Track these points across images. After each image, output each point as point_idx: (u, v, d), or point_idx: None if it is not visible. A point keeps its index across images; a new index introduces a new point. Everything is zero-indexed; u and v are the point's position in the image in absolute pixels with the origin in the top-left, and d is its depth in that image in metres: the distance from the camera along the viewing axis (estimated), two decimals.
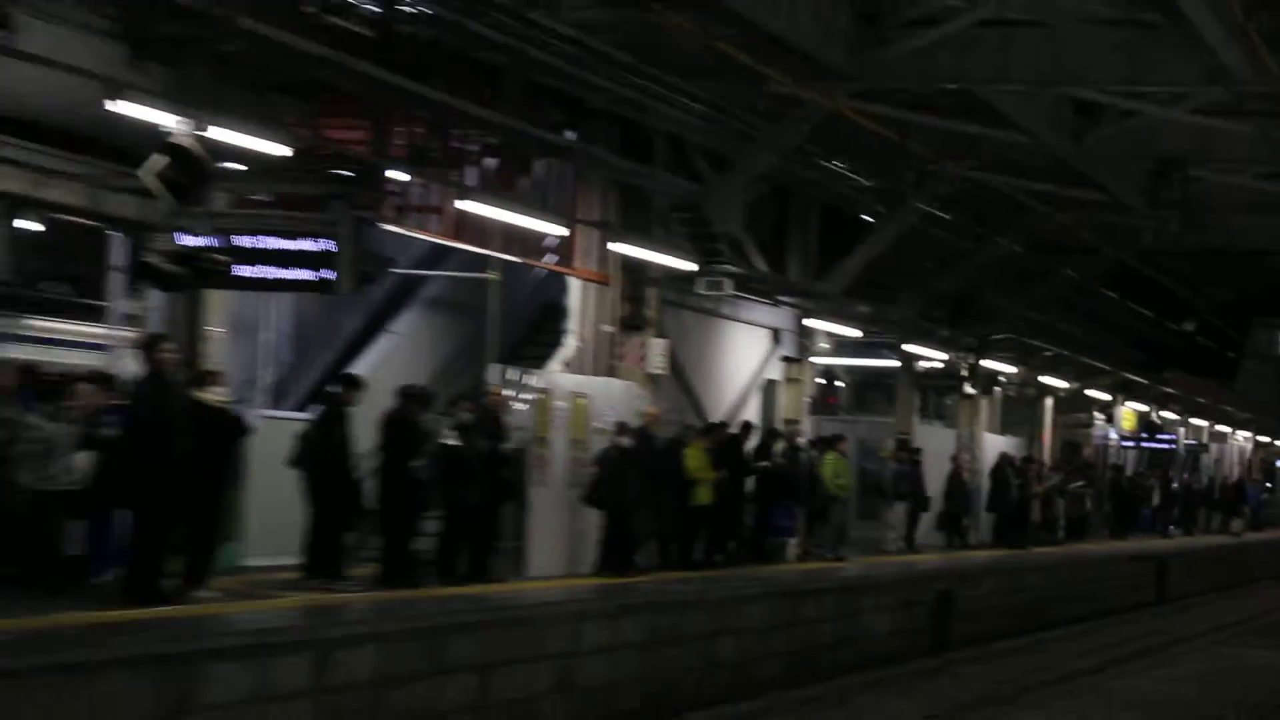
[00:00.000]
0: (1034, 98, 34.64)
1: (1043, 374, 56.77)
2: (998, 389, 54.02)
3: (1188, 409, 76.56)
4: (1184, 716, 28.91)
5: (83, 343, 29.48)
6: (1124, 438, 72.48)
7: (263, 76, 26.09)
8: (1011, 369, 53.71)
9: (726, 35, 29.03)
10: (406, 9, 26.33)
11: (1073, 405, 64.01)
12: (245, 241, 25.79)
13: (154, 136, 22.96)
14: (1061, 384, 59.50)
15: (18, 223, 26.85)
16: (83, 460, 22.41)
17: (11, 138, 24.53)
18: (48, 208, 27.02)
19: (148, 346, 23.90)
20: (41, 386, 23.35)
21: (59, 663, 16.65)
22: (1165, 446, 77.14)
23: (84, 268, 30.65)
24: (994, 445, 53.19)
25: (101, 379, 24.62)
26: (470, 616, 23.14)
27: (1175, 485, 74.90)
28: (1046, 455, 59.50)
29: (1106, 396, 67.37)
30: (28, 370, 23.80)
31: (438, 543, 26.96)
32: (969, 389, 51.71)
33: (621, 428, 31.10)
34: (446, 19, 26.37)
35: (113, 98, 23.16)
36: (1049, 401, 60.46)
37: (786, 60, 30.55)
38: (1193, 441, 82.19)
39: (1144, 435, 74.63)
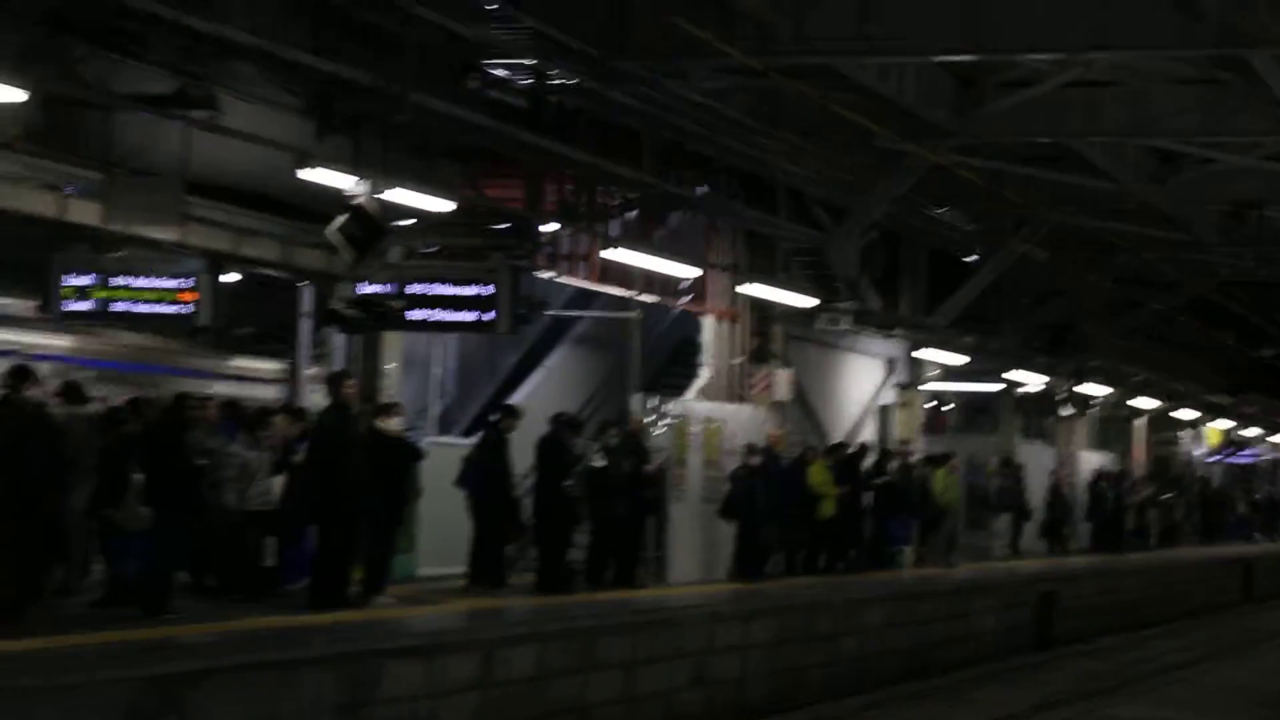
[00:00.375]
0: (1119, 148, 34.63)
1: (1133, 396, 56.15)
2: (1092, 410, 53.56)
3: (1267, 427, 75.85)
4: (1257, 704, 28.58)
5: (277, 379, 30.14)
6: (1209, 453, 71.75)
7: (430, 143, 26.32)
8: (1105, 391, 53.08)
9: (840, 99, 29.29)
10: (554, 82, 26.51)
11: (1161, 424, 63.35)
12: (416, 289, 25.95)
13: (336, 199, 23.55)
14: (1151, 405, 58.92)
15: (222, 277, 26.90)
16: (277, 483, 23.03)
17: (217, 202, 25.36)
18: (247, 263, 27.50)
19: (332, 382, 24.55)
20: (242, 419, 23.74)
21: (257, 661, 17.26)
22: (1247, 461, 76.75)
23: (278, 314, 31.27)
24: (1090, 461, 52.60)
25: (293, 411, 25.29)
26: (618, 619, 23.43)
27: (1258, 496, 74.52)
28: (1138, 469, 59.17)
29: (1192, 415, 66.72)
30: (230, 404, 24.24)
31: (587, 553, 27.28)
32: (1066, 410, 51.50)
33: (751, 449, 31.16)
34: (590, 89, 26.70)
35: (302, 166, 23.98)
36: (1140, 421, 59.89)
37: (894, 119, 30.68)
38: (1273, 456, 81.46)
39: (1228, 451, 74.11)
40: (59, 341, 25.96)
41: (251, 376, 29.49)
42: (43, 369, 19.80)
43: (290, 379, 30.02)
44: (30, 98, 19.96)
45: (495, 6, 22.90)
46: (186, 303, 25.73)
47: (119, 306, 25.63)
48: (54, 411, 19.47)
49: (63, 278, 25.49)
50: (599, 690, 22.08)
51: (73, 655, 16.57)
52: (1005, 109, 31.39)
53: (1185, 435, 68.14)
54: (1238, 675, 33.71)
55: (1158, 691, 30.30)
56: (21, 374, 18.75)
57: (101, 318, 25.86)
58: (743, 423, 32.50)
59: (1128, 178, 36.58)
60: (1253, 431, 74.70)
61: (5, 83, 19.08)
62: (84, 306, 25.62)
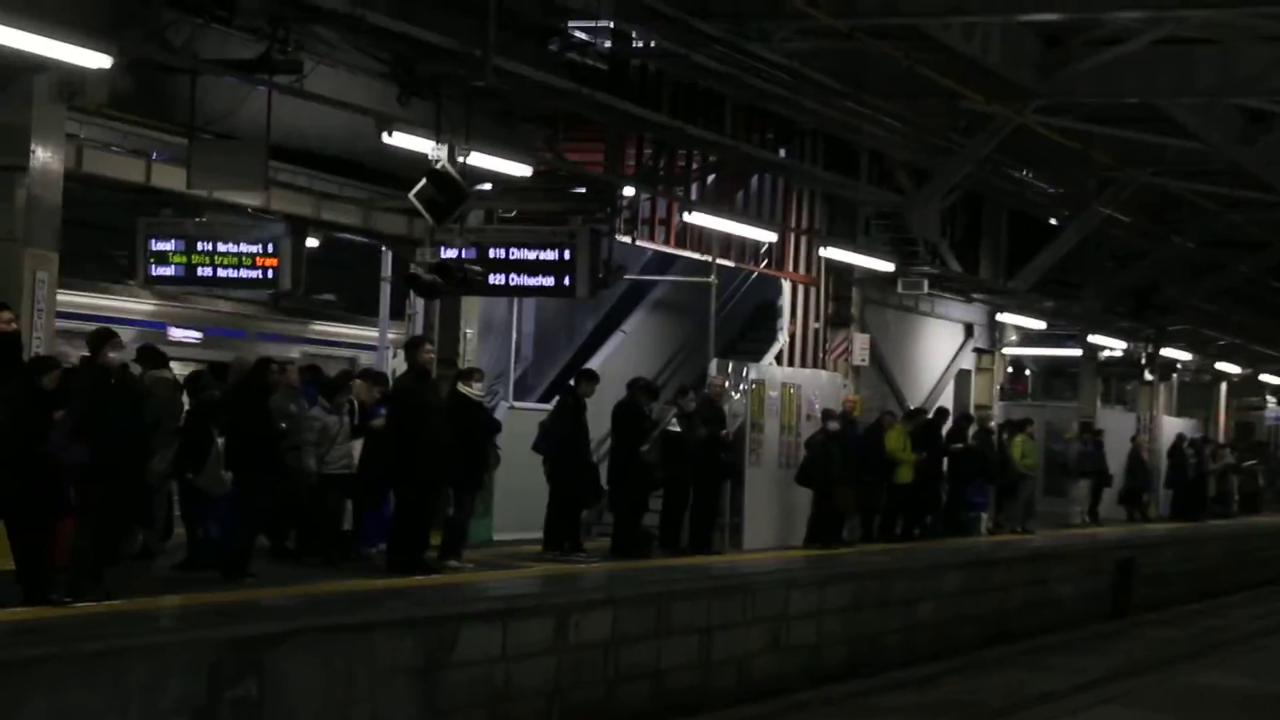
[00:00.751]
0: (1209, 108, 34.56)
1: (1217, 361, 56.09)
2: (1175, 375, 53.53)
3: None
4: None
5: (358, 344, 30.24)
6: None
7: (511, 107, 26.55)
8: (1188, 356, 52.95)
9: (924, 60, 29.34)
10: (636, 44, 26.57)
11: (1246, 389, 63.25)
12: (496, 253, 26.15)
13: (418, 163, 23.63)
14: (1235, 370, 58.70)
15: (309, 241, 27.24)
16: (356, 447, 23.13)
17: (299, 167, 25.64)
18: (328, 227, 27.91)
19: (411, 347, 24.94)
20: (322, 383, 23.94)
21: (335, 624, 17.52)
22: None
23: (359, 279, 31.46)
24: (1172, 427, 52.30)
25: (372, 376, 25.36)
26: (693, 585, 23.58)
27: None
28: (1221, 435, 58.81)
29: (1278, 381, 66.72)
30: (311, 369, 24.52)
31: (662, 519, 27.41)
32: (1148, 375, 51.40)
33: (828, 414, 31.11)
34: (672, 52, 26.68)
35: (384, 130, 24.31)
36: (1223, 386, 59.77)
37: (979, 80, 30.80)
38: None
39: None
40: (144, 306, 26.07)
41: (333, 341, 29.57)
42: (128, 333, 19.89)
43: (371, 344, 30.20)
44: (117, 63, 20.17)
45: None
46: (267, 268, 25.90)
47: (202, 271, 25.84)
48: (137, 375, 19.56)
49: (149, 242, 25.68)
50: (673, 655, 22.32)
51: (156, 617, 16.95)
52: (1091, 68, 31.32)
53: (1271, 401, 67.87)
54: None
55: (1235, 660, 30.09)
56: (104, 336, 18.87)
57: (186, 282, 26.04)
58: (820, 388, 32.57)
59: (1216, 138, 36.54)
60: None
61: (93, 48, 19.30)
62: (169, 271, 25.82)
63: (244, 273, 26.01)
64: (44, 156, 20.74)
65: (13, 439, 16.75)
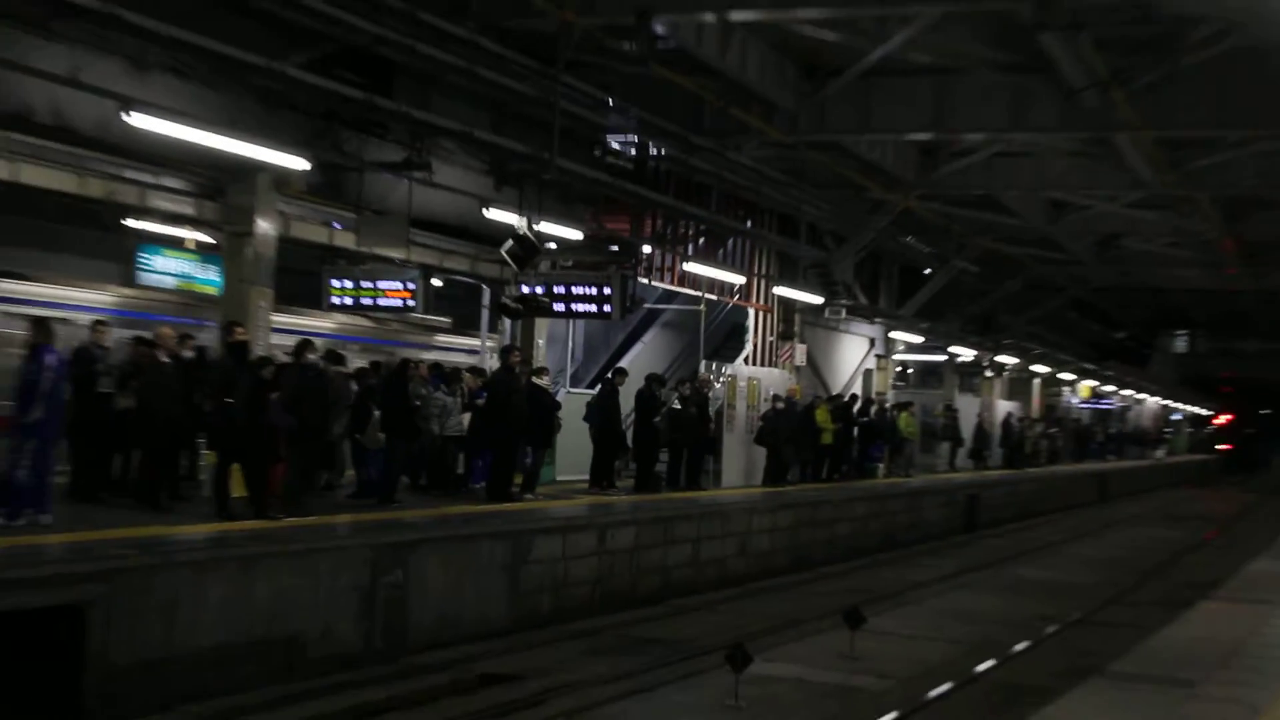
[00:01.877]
0: (1027, 198, 34.62)
1: (1032, 364, 56.06)
2: (1005, 373, 53.41)
3: (1120, 384, 75.77)
4: (1113, 565, 28.79)
5: (466, 349, 30.38)
6: (1081, 402, 71.89)
7: (568, 192, 26.35)
8: (1014, 361, 52.67)
9: (843, 163, 29.43)
10: (652, 151, 26.18)
11: (1050, 383, 63.27)
12: (558, 289, 26.10)
13: (507, 230, 23.44)
14: (1044, 369, 58.66)
15: (434, 281, 27.19)
16: (465, 419, 23.17)
17: (430, 233, 25.60)
18: (447, 272, 27.68)
19: (502, 352, 24.87)
20: (444, 375, 23.67)
21: (452, 535, 17.85)
22: (1106, 407, 77.05)
23: (466, 307, 31.59)
24: (1003, 407, 52.33)
25: (476, 371, 25.17)
26: (688, 510, 23.64)
27: (1111, 430, 74.74)
28: (1035, 413, 58.93)
29: (1071, 377, 66.23)
30: (436, 365, 24.08)
31: (667, 466, 27.35)
32: (988, 374, 51.25)
33: (777, 398, 30.89)
34: (675, 157, 26.38)
35: (485, 207, 24.53)
36: (1036, 381, 59.72)
37: (878, 176, 30.78)
38: (1123, 404, 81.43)
39: (1093, 400, 74.51)
40: (328, 324, 26.34)
41: (451, 347, 29.79)
42: (316, 342, 20.16)
43: (475, 349, 30.35)
44: (311, 165, 20.52)
45: (612, 104, 23.08)
46: (406, 299, 26.19)
47: (365, 301, 26.14)
48: (324, 369, 19.80)
49: (330, 282, 25.98)
50: (675, 557, 22.40)
51: (335, 528, 17.17)
52: (952, 170, 31.24)
53: (1066, 390, 68.23)
54: (1090, 549, 34.00)
55: (1043, 559, 30.59)
56: (304, 345, 19.28)
57: (353, 309, 26.31)
58: (773, 380, 32.27)
59: (1032, 217, 36.62)
60: (1109, 388, 74.74)
61: (296, 155, 19.64)
62: (342, 301, 26.10)
63: (391, 302, 26.30)
64: (264, 226, 20.98)
65: (244, 412, 17.11)
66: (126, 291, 23.29)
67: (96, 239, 23.04)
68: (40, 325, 16.43)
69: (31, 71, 16.95)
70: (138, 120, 17.08)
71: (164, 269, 23.98)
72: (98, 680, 12.68)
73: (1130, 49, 22.05)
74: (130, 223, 23.23)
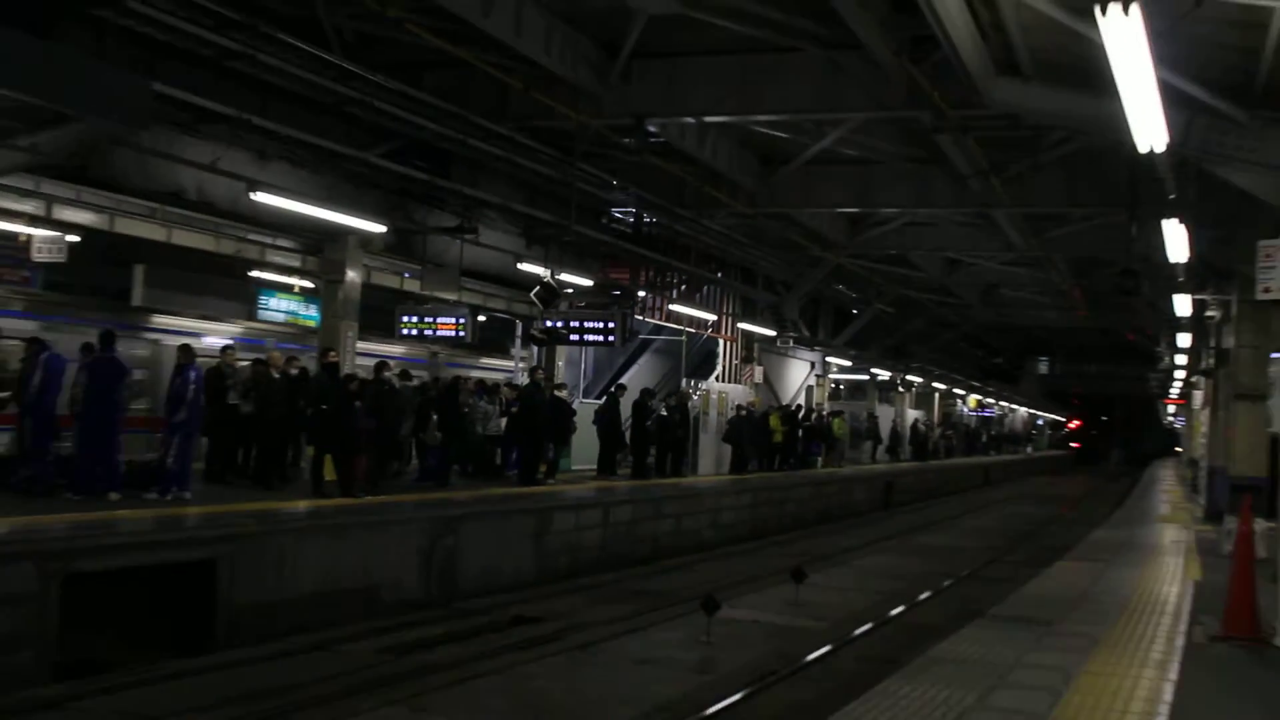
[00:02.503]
0: (929, 256, 34.29)
1: (934, 382, 56.09)
2: (913, 389, 53.38)
3: (999, 397, 75.87)
4: (993, 534, 28.66)
5: (503, 369, 30.40)
6: (970, 410, 71.92)
7: (582, 249, 26.26)
8: (920, 380, 52.83)
9: (791, 229, 29.10)
10: (646, 219, 25.94)
11: (947, 396, 63.24)
12: (574, 324, 26.29)
13: (535, 278, 23.37)
14: (942, 386, 58.68)
15: (479, 317, 27.49)
16: (502, 422, 23.17)
17: (476, 280, 25.46)
18: (489, 310, 27.91)
19: (531, 371, 25.13)
20: (486, 388, 23.85)
21: (492, 510, 17.77)
22: (989, 414, 77.16)
23: (504, 336, 31.63)
24: (911, 414, 52.64)
25: (511, 385, 25.54)
26: (672, 492, 23.57)
27: (992, 432, 74.82)
28: (936, 419, 58.99)
29: (962, 392, 65.93)
30: (480, 381, 24.24)
31: (656, 459, 26.94)
32: (900, 389, 51.40)
33: (740, 407, 31.16)
34: (664, 223, 26.16)
35: (518, 262, 24.45)
36: (936, 395, 59.71)
37: (818, 239, 30.35)
38: (1000, 412, 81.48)
39: (979, 409, 74.56)
40: (399, 349, 26.30)
41: (491, 367, 29.77)
42: (390, 363, 20.17)
43: (510, 369, 30.34)
44: (388, 229, 20.62)
45: (616, 184, 23.11)
46: (458, 330, 26.17)
47: (427, 333, 26.13)
48: (396, 384, 19.81)
49: (401, 318, 25.99)
50: (662, 529, 22.28)
51: (403, 505, 17.03)
52: (874, 235, 30.83)
53: (959, 402, 68.29)
54: (976, 522, 33.91)
55: (941, 530, 30.48)
56: (382, 365, 19.33)
57: (418, 339, 26.32)
58: (737, 394, 32.35)
59: (932, 271, 36.48)
60: (990, 400, 74.92)
61: (377, 223, 19.77)
62: (410, 333, 26.11)
63: (446, 333, 26.29)
64: (352, 275, 21.03)
65: (335, 416, 17.20)
66: (249, 324, 23.37)
67: (228, 285, 23.09)
68: (186, 349, 16.64)
69: (183, 161, 17.18)
70: (260, 197, 17.26)
71: (277, 308, 24.04)
72: (225, 617, 12.80)
73: (1003, 147, 22.07)
74: (253, 273, 23.38)
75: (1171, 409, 67.25)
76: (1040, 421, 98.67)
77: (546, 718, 10.29)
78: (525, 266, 24.46)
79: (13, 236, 18.57)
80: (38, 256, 18.73)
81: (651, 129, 20.72)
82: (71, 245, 18.94)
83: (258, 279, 23.69)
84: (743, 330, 35.65)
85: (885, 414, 49.50)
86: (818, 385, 42.60)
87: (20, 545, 11.02)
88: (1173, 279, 24.16)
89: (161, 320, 21.15)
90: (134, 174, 16.87)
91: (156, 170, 17.07)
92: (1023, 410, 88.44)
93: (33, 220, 18.26)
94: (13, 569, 10.69)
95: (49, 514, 13.23)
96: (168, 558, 12.40)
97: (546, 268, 23.90)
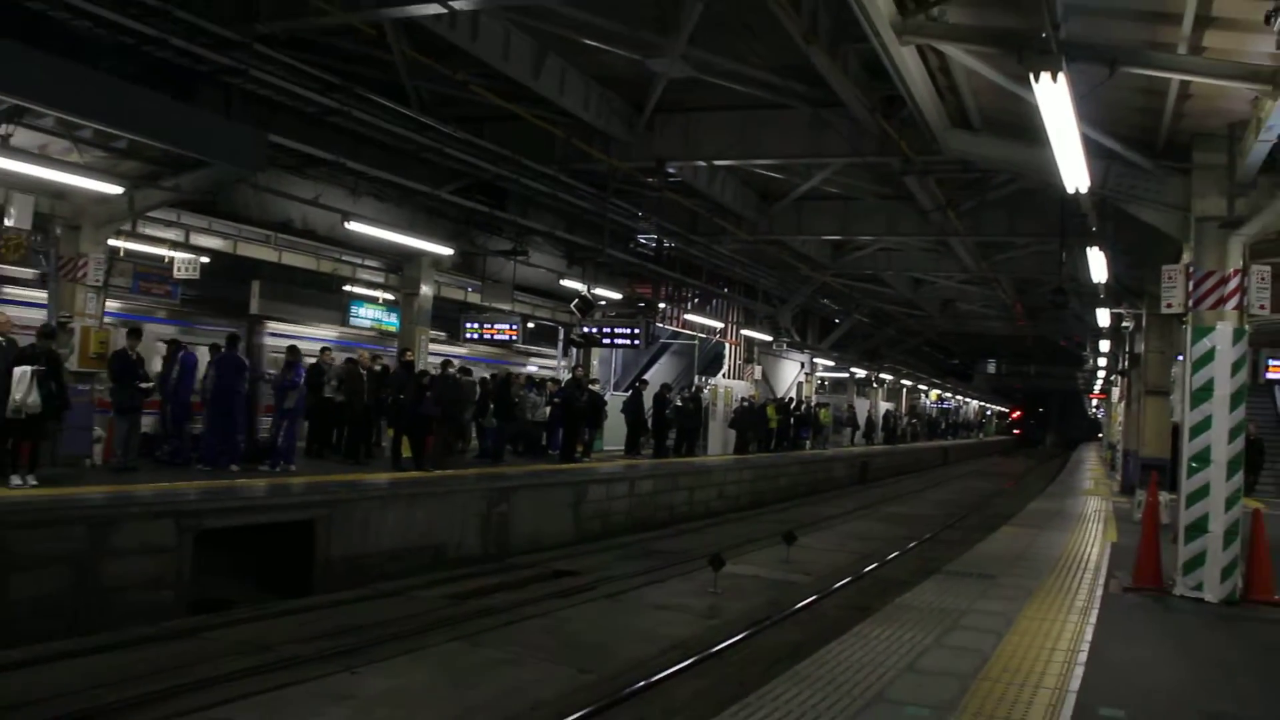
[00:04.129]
0: (899, 276, 33.98)
1: (903, 379, 55.94)
2: (885, 385, 53.25)
3: (956, 392, 75.63)
4: (950, 504, 28.31)
5: (548, 366, 30.48)
6: (931, 403, 71.51)
7: (614, 268, 26.32)
8: (890, 377, 52.74)
9: (785, 252, 28.96)
10: (666, 244, 25.76)
11: (913, 391, 63.00)
12: (606, 329, 26.41)
13: (574, 292, 23.71)
14: (908, 383, 58.41)
15: (529, 324, 27.29)
16: (546, 410, 23.27)
17: (526, 294, 25.62)
18: (535, 319, 27.79)
19: (572, 369, 25.31)
20: (534, 382, 24.05)
21: (538, 482, 17.71)
22: (947, 406, 76.66)
23: (549, 340, 31.68)
24: (884, 406, 52.43)
25: (554, 380, 25.45)
26: (686, 469, 23.45)
27: (951, 419, 74.33)
28: (904, 409, 58.82)
29: (925, 388, 65.66)
30: (529, 376, 24.55)
31: (674, 441, 27.16)
32: (874, 385, 51.34)
33: (743, 399, 31.15)
34: (680, 247, 25.97)
35: (560, 279, 24.58)
36: (904, 389, 59.65)
37: (806, 261, 30.29)
38: (957, 404, 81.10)
39: (940, 402, 74.05)
40: (462, 350, 26.35)
41: (539, 366, 29.77)
42: (454, 361, 20.26)
43: (554, 366, 30.39)
44: (455, 252, 20.70)
45: (641, 215, 23.17)
46: (513, 335, 26.23)
47: (486, 335, 26.20)
48: (459, 378, 19.90)
49: (464, 324, 26.07)
50: (678, 499, 22.25)
51: (465, 478, 17.12)
52: (852, 258, 30.93)
53: (923, 395, 68.02)
54: (937, 494, 33.59)
55: (907, 501, 30.26)
56: (447, 363, 19.40)
57: (479, 342, 26.40)
58: (741, 388, 32.34)
59: (901, 288, 36.33)
60: (949, 394, 74.68)
61: (445, 246, 19.85)
62: (472, 336, 26.19)
63: (502, 337, 26.34)
64: (425, 290, 21.09)
65: (410, 404, 17.26)
66: (342, 330, 23.50)
67: (326, 298, 23.21)
68: (292, 350, 16.79)
69: (291, 197, 17.35)
70: (352, 226, 17.40)
71: (365, 316, 24.09)
72: (321, 567, 12.92)
73: (959, 186, 22.10)
74: (346, 287, 23.50)
75: (1095, 402, 66.83)
76: (989, 412, 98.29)
77: (581, 651, 10.32)
78: (566, 283, 24.57)
79: (159, 258, 18.81)
80: (178, 274, 18.98)
81: (670, 170, 20.80)
82: (203, 265, 19.15)
83: (350, 292, 23.80)
84: (745, 336, 35.69)
85: (862, 405, 49.32)
86: (807, 381, 42.62)
87: (162, 506, 11.19)
88: (1095, 296, 24.12)
89: (276, 327, 21.34)
90: (253, 207, 17.03)
91: (271, 204, 17.23)
92: (974, 402, 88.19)
93: (174, 245, 18.53)
94: (157, 525, 10.89)
95: (184, 481, 13.43)
96: (276, 518, 12.52)
97: (584, 284, 24.06)
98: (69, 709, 7.82)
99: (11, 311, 14.16)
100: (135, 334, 14.65)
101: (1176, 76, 10.11)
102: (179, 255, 18.95)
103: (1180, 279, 11.27)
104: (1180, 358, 12.35)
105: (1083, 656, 8.13)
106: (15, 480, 11.78)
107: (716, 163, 20.96)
